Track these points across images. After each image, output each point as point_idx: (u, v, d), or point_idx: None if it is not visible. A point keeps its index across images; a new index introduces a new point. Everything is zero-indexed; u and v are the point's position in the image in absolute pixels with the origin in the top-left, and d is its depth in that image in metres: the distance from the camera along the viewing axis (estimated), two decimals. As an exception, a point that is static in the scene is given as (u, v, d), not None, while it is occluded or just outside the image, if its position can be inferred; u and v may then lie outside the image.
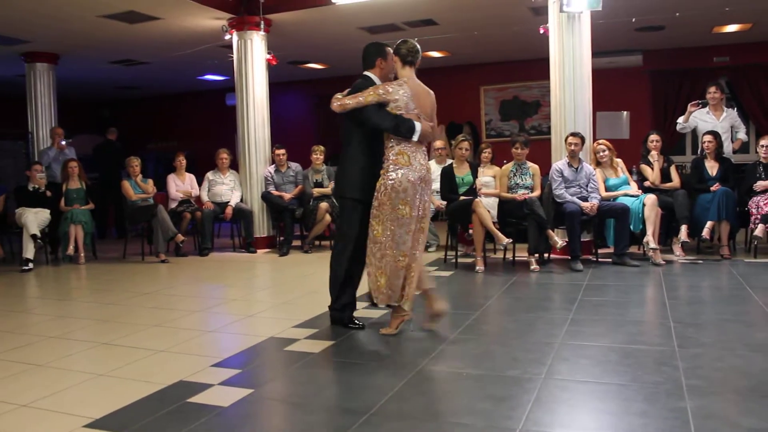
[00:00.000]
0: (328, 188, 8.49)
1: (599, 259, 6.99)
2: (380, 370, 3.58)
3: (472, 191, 6.94)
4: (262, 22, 8.65)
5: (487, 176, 7.26)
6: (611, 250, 6.93)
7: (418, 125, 4.13)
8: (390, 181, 4.13)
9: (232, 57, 9.03)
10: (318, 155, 8.70)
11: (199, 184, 8.98)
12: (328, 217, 8.27)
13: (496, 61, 11.77)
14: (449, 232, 7.18)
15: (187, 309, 5.35)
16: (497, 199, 7.06)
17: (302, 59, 11.46)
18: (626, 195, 6.95)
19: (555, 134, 7.34)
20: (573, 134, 6.92)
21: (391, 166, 4.16)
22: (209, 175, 8.92)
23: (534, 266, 6.55)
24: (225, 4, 8.38)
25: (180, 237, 8.14)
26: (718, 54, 10.85)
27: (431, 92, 4.37)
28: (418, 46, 4.33)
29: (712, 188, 7.01)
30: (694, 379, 3.30)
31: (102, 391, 3.39)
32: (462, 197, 6.85)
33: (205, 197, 8.78)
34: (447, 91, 12.25)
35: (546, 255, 7.07)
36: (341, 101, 4.25)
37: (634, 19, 8.62)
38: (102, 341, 4.34)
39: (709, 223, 6.90)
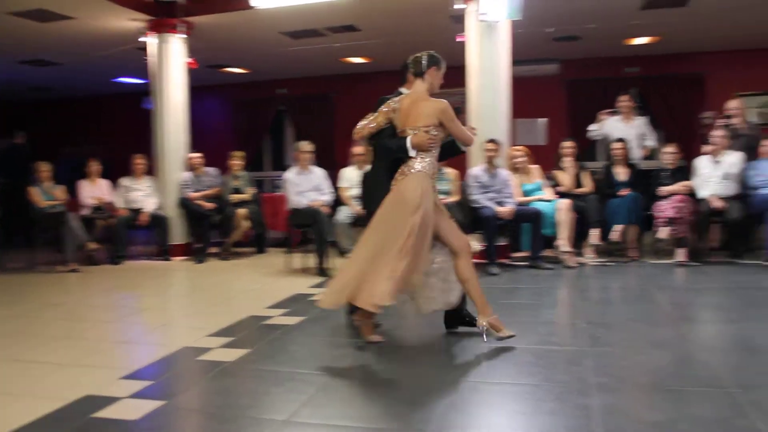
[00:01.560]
0: (247, 194, 8.37)
1: (515, 263, 7.15)
2: (294, 378, 3.54)
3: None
4: (182, 24, 8.47)
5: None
6: (526, 253, 7.10)
7: (408, 139, 4.05)
8: (399, 189, 4.10)
9: (147, 59, 8.80)
10: (237, 161, 8.57)
11: (114, 190, 8.70)
12: (246, 224, 8.16)
13: (417, 68, 11.87)
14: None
15: (98, 319, 5.17)
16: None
17: (222, 63, 11.27)
18: (540, 200, 7.13)
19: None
20: (490, 141, 7.05)
21: (401, 176, 4.14)
22: (124, 181, 8.65)
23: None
24: (143, 5, 8.16)
25: (91, 245, 7.86)
26: (629, 65, 11.28)
27: (432, 101, 4.12)
28: (424, 55, 4.26)
29: (621, 193, 7.27)
30: (602, 377, 3.41)
31: None
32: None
33: (119, 204, 8.52)
34: (367, 97, 12.28)
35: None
36: (358, 128, 4.35)
37: (551, 29, 8.86)
38: (3, 356, 4.13)
39: (618, 227, 7.16)
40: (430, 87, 4.20)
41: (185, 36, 8.66)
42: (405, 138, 4.06)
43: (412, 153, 4.03)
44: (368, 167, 4.50)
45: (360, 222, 7.76)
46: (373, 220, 4.11)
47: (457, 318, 4.39)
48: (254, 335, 4.49)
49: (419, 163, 4.03)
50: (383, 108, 4.25)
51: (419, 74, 4.20)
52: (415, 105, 4.12)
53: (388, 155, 4.21)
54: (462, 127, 4.16)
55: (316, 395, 3.27)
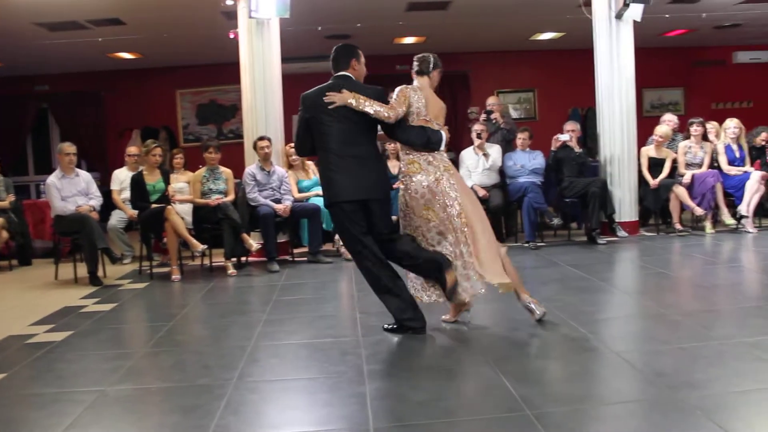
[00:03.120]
0: (6, 202, 7.61)
1: (295, 259, 7.22)
2: (59, 399, 3.29)
3: (165, 198, 6.72)
4: None
5: (180, 182, 7.11)
6: (306, 249, 7.21)
7: (443, 134, 4.23)
8: (409, 191, 4.18)
9: None
10: None
11: None
12: (5, 234, 7.39)
13: (191, 65, 11.52)
14: (143, 242, 6.87)
15: None
16: (192, 206, 6.95)
17: (-36, 55, 10.15)
18: (318, 196, 7.27)
19: (248, 138, 7.42)
20: (261, 138, 7.07)
21: (404, 177, 4.23)
22: None
23: (231, 271, 6.56)
24: None
25: None
26: (400, 62, 11.83)
27: (442, 102, 4.39)
28: (431, 56, 4.40)
29: (394, 186, 7.61)
30: (374, 364, 3.58)
31: None
32: (154, 205, 6.60)
33: None
34: (140, 95, 11.82)
35: (243, 259, 7.11)
36: (394, 111, 4.10)
37: (320, 28, 9.04)
38: None
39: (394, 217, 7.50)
40: (432, 87, 4.39)
41: None
42: (438, 132, 4.22)
43: (443, 147, 4.26)
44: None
45: (132, 226, 7.44)
46: (467, 212, 4.20)
47: None
48: (14, 357, 4.10)
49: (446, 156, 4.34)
50: (407, 91, 4.21)
51: (425, 73, 4.35)
52: (435, 100, 4.33)
53: (415, 144, 4.21)
54: None
55: (83, 415, 3.07)
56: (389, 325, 4.22)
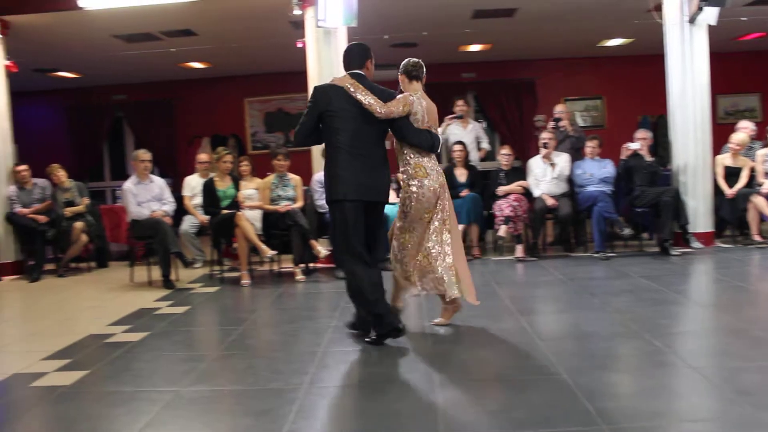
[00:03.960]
0: (81, 206, 7.91)
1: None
2: (137, 397, 3.41)
3: (235, 205, 6.87)
4: (-3, 23, 7.88)
5: (249, 189, 7.24)
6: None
7: (440, 138, 4.43)
8: (414, 194, 4.28)
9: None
10: (58, 173, 7.99)
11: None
12: (84, 238, 7.72)
13: (259, 73, 11.76)
14: (214, 247, 7.03)
15: None
16: (261, 212, 7.06)
17: (50, 67, 10.59)
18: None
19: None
20: None
21: (411, 180, 4.30)
22: (-59, 195, 7.93)
23: (299, 276, 6.65)
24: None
25: None
26: (465, 70, 11.81)
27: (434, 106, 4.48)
28: (421, 62, 4.46)
29: (461, 194, 7.58)
30: (444, 372, 3.58)
31: None
32: (225, 211, 6.75)
33: (-64, 221, 7.79)
34: (210, 103, 12.10)
35: (311, 265, 7.19)
36: (387, 108, 4.14)
37: (386, 36, 9.09)
38: None
39: (460, 227, 7.45)
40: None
41: (1, 36, 8.03)
42: (438, 136, 4.41)
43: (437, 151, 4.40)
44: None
45: (204, 231, 7.60)
46: (451, 216, 4.39)
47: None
48: (94, 355, 4.26)
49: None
50: (408, 98, 4.24)
51: (419, 78, 4.42)
52: (432, 106, 4.40)
53: (423, 147, 4.30)
54: None
55: (159, 414, 3.16)
56: (369, 338, 4.19)
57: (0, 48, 8.13)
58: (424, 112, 4.28)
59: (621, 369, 3.71)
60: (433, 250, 4.32)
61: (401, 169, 4.36)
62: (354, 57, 4.33)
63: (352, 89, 4.10)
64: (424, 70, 4.45)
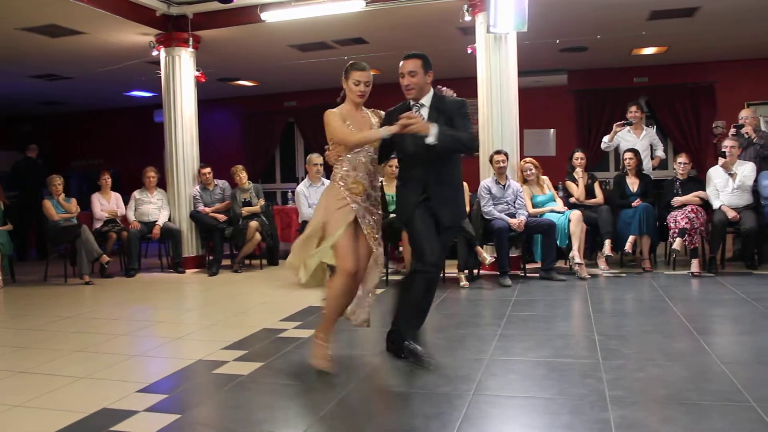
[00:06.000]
0: (257, 206, 8.40)
1: (527, 274, 7.13)
2: (311, 392, 3.55)
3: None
4: (191, 38, 8.55)
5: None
6: (539, 265, 7.09)
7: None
8: None
9: (160, 73, 8.88)
10: (240, 174, 8.55)
11: (126, 203, 8.76)
12: (258, 236, 8.19)
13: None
14: (381, 250, 7.19)
15: (112, 333, 5.19)
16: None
17: (232, 76, 11.35)
18: (552, 211, 7.13)
19: (483, 152, 7.46)
20: (497, 152, 7.08)
21: None
22: (136, 194, 8.72)
23: (464, 282, 6.64)
24: (152, 20, 8.24)
25: (105, 258, 7.90)
26: (637, 75, 11.28)
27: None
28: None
29: (633, 204, 7.26)
30: (617, 389, 3.40)
31: (16, 423, 3.23)
32: (392, 215, 6.88)
33: (131, 217, 8.57)
34: (380, 108, 12.38)
35: (475, 271, 7.16)
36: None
37: (558, 41, 8.89)
38: (18, 369, 4.15)
39: (631, 238, 7.16)
40: None
41: (194, 50, 8.72)
42: None
43: None
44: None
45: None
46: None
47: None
48: (268, 348, 4.50)
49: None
50: None
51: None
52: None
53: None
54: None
55: (333, 409, 3.27)
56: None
57: (191, 60, 8.82)
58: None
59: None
60: None
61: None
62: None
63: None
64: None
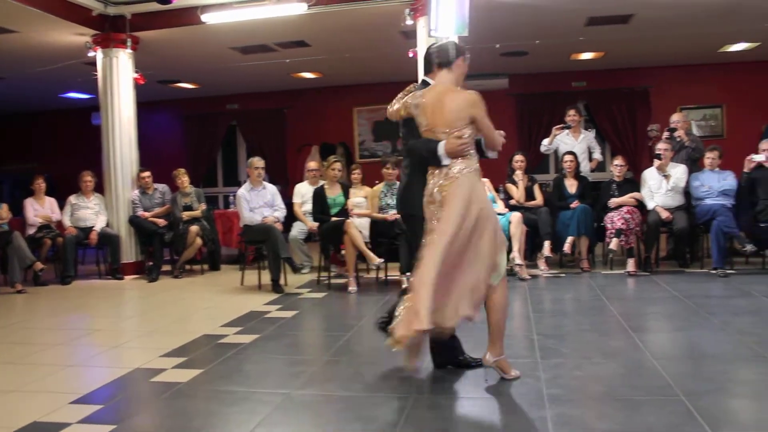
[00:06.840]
0: (198, 211, 8.27)
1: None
2: (249, 398, 3.51)
3: (344, 212, 6.99)
4: (129, 39, 8.37)
5: (358, 197, 7.33)
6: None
7: (440, 147, 3.44)
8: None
9: (97, 75, 8.66)
10: (182, 178, 8.41)
11: (61, 208, 8.51)
12: (199, 241, 8.06)
13: (368, 83, 11.87)
14: (322, 253, 7.17)
15: (46, 343, 5.02)
16: (369, 220, 7.12)
17: (172, 78, 11.16)
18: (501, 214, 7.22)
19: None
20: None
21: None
22: (72, 198, 8.47)
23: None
24: (88, 19, 8.02)
25: (39, 265, 7.65)
26: (576, 79, 11.53)
27: (462, 93, 3.53)
28: (449, 44, 3.73)
29: (571, 205, 7.41)
30: (555, 388, 3.47)
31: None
32: (334, 218, 6.88)
33: (67, 222, 8.32)
34: (319, 112, 12.38)
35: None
36: (390, 108, 3.79)
37: (498, 45, 9.01)
38: (-55, 382, 3.99)
39: (569, 238, 7.30)
40: (457, 79, 3.67)
41: (132, 51, 8.53)
42: (435, 142, 3.46)
43: (445, 162, 3.45)
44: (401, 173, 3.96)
45: (312, 237, 7.75)
46: (435, 235, 3.43)
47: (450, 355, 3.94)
48: (208, 355, 4.43)
49: (458, 166, 3.48)
50: (402, 95, 3.77)
51: (447, 64, 3.63)
52: (441, 99, 3.50)
53: (421, 160, 3.63)
54: (492, 127, 3.63)
55: (272, 414, 3.24)
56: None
57: (130, 62, 8.62)
58: (420, 116, 3.57)
59: (745, 395, 3.48)
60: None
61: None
62: (426, 62, 3.82)
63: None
64: (452, 53, 3.63)
